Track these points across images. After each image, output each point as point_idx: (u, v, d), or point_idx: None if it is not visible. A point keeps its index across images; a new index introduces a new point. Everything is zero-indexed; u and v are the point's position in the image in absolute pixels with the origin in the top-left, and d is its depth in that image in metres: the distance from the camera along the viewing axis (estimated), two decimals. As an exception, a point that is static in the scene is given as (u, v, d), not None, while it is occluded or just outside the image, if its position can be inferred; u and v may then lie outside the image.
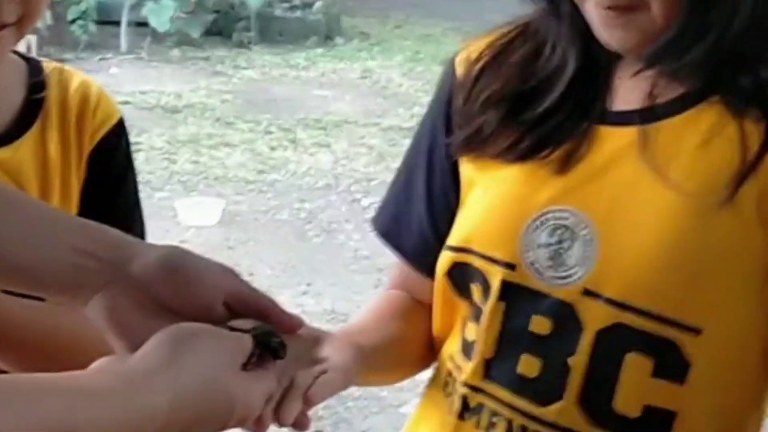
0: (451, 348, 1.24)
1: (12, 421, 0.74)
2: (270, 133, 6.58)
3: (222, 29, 8.81)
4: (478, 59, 1.23)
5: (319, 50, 8.64)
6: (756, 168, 1.08)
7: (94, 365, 0.87)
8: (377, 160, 6.20)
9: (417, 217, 1.29)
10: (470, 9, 9.54)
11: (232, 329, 0.93)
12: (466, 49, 1.26)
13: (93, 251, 0.95)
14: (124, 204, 1.34)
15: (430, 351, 1.29)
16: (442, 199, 1.26)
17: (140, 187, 1.39)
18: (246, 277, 1.00)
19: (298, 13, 9.11)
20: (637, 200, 1.11)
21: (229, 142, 6.38)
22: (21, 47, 1.33)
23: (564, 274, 1.12)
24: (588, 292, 1.11)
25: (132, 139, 1.37)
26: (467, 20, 9.06)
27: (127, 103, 6.60)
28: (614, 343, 1.10)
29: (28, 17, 1.20)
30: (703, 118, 1.11)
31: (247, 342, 0.91)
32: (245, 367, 0.90)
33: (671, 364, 1.09)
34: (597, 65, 1.17)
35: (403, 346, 1.27)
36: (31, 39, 5.85)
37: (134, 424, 0.81)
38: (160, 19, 8.10)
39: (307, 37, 8.83)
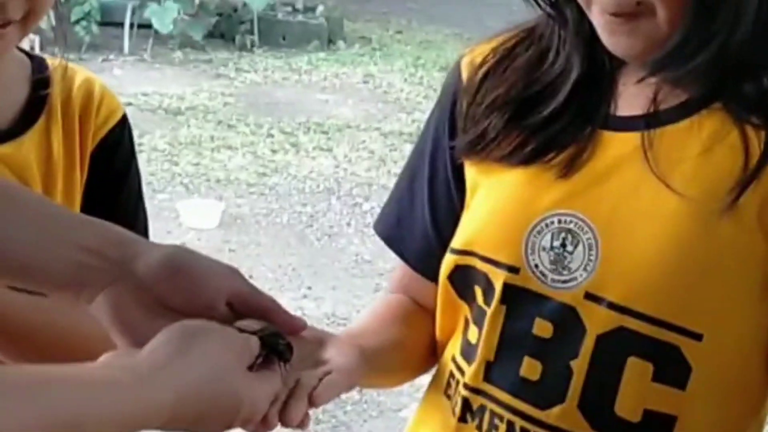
0: (453, 350, 1.24)
1: (18, 412, 0.75)
2: (271, 136, 6.58)
3: (225, 32, 8.82)
4: (483, 63, 1.24)
5: (321, 54, 8.65)
6: (758, 176, 1.08)
7: (101, 359, 0.87)
8: (378, 164, 6.20)
9: (420, 221, 1.29)
10: (471, 16, 9.56)
11: (240, 330, 0.93)
12: (472, 53, 1.26)
13: (97, 249, 0.95)
14: (127, 200, 1.34)
15: (431, 354, 1.29)
16: (445, 202, 1.27)
17: (143, 192, 1.39)
18: (246, 280, 1.00)
19: (300, 17, 9.11)
20: (640, 205, 1.11)
21: (230, 144, 6.38)
22: (24, 47, 1.33)
23: (567, 277, 1.13)
24: (590, 296, 1.11)
25: (134, 141, 1.38)
26: (468, 27, 9.07)
27: (129, 104, 6.60)
28: (616, 347, 1.11)
29: (34, 14, 1.21)
30: (705, 125, 1.11)
31: (254, 343, 0.92)
32: (251, 368, 0.90)
33: (672, 369, 1.10)
34: (601, 71, 1.17)
35: (405, 349, 1.27)
36: (35, 39, 5.84)
37: (140, 417, 0.82)
38: (163, 21, 8.10)
39: (310, 41, 8.84)
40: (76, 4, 7.92)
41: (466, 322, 1.22)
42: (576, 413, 1.12)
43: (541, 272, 1.14)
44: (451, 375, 1.23)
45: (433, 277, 1.25)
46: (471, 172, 1.23)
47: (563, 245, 1.13)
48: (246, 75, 7.95)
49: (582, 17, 1.15)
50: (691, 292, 1.09)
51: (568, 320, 1.12)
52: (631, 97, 1.16)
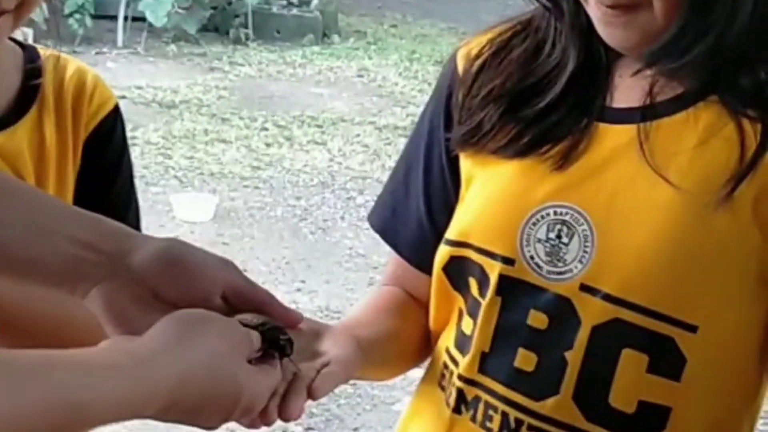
0: (446, 341, 1.24)
1: (19, 395, 0.75)
2: (266, 129, 6.58)
3: (219, 25, 8.80)
4: (478, 55, 1.23)
5: (316, 48, 8.64)
6: (753, 169, 1.08)
7: (101, 344, 0.87)
8: (372, 158, 6.20)
9: (414, 213, 1.29)
10: (466, 10, 9.55)
11: (243, 325, 0.93)
12: (467, 45, 1.26)
13: (92, 243, 0.95)
14: (120, 189, 1.34)
15: (425, 346, 1.29)
16: (440, 194, 1.27)
17: (135, 181, 1.39)
18: (240, 274, 1.00)
19: (294, 11, 9.10)
20: (635, 197, 1.11)
21: (224, 138, 6.37)
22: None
23: (562, 269, 1.13)
24: (585, 288, 1.11)
25: (127, 133, 1.38)
26: (463, 21, 9.07)
27: (123, 97, 6.58)
28: (611, 338, 1.11)
29: (27, 4, 1.21)
30: (701, 118, 1.12)
31: (255, 338, 0.92)
32: (251, 362, 0.90)
33: (667, 360, 1.10)
34: (597, 63, 1.17)
35: (399, 341, 1.27)
36: (28, 32, 5.83)
37: (141, 400, 0.82)
38: (157, 14, 8.08)
39: (304, 34, 8.82)
40: (70, -4, 7.91)
41: (460, 313, 1.22)
42: (570, 404, 1.13)
43: (536, 264, 1.14)
44: (445, 366, 1.23)
45: (427, 270, 1.25)
46: (466, 164, 1.23)
47: (558, 237, 1.13)
48: (240, 68, 7.94)
49: (578, 9, 1.15)
50: (686, 284, 1.09)
51: (563, 312, 1.12)
52: (627, 90, 1.16)
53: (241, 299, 0.97)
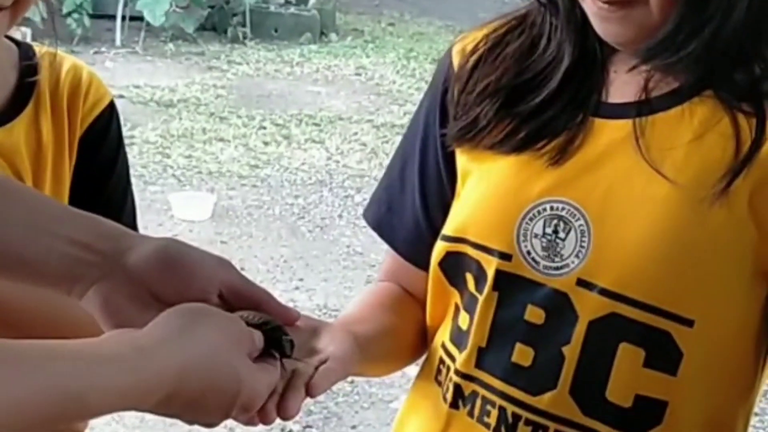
0: (443, 337, 1.24)
1: (20, 384, 0.75)
2: (263, 128, 6.57)
3: (217, 24, 8.80)
4: (474, 51, 1.23)
5: (313, 47, 8.63)
6: (749, 163, 1.09)
7: (104, 335, 0.87)
8: (370, 156, 6.20)
9: (410, 208, 1.29)
10: (463, 8, 9.55)
11: (246, 324, 0.93)
12: (463, 40, 1.26)
13: (90, 243, 0.95)
14: (116, 186, 1.34)
15: (422, 342, 1.29)
16: (435, 190, 1.27)
17: (133, 180, 1.39)
18: (238, 272, 1.00)
19: (292, 9, 9.10)
20: (631, 192, 1.11)
21: (222, 137, 6.37)
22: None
23: (559, 264, 1.13)
24: (582, 283, 1.11)
25: (125, 132, 1.38)
26: (460, 19, 9.06)
27: (121, 96, 6.59)
28: (607, 333, 1.11)
29: (24, 1, 1.20)
30: (697, 113, 1.12)
31: (257, 337, 0.92)
32: (251, 359, 0.90)
33: (663, 354, 1.10)
34: (593, 58, 1.17)
35: (396, 337, 1.27)
36: (26, 31, 5.83)
37: (141, 390, 0.82)
38: (155, 13, 8.07)
39: (302, 33, 8.82)
40: (68, -5, 7.90)
41: (457, 308, 1.22)
42: (567, 399, 1.13)
43: (533, 259, 1.14)
44: (441, 361, 1.23)
45: (423, 265, 1.25)
46: (462, 159, 1.23)
47: (555, 232, 1.13)
48: (238, 67, 7.94)
49: (574, 4, 1.15)
50: (683, 278, 1.09)
51: (560, 307, 1.13)
52: (623, 85, 1.16)
53: (238, 298, 0.97)
